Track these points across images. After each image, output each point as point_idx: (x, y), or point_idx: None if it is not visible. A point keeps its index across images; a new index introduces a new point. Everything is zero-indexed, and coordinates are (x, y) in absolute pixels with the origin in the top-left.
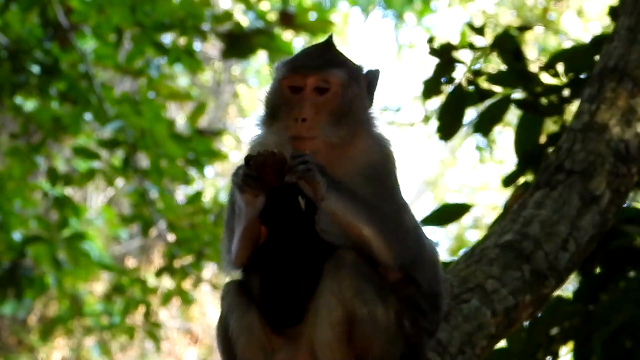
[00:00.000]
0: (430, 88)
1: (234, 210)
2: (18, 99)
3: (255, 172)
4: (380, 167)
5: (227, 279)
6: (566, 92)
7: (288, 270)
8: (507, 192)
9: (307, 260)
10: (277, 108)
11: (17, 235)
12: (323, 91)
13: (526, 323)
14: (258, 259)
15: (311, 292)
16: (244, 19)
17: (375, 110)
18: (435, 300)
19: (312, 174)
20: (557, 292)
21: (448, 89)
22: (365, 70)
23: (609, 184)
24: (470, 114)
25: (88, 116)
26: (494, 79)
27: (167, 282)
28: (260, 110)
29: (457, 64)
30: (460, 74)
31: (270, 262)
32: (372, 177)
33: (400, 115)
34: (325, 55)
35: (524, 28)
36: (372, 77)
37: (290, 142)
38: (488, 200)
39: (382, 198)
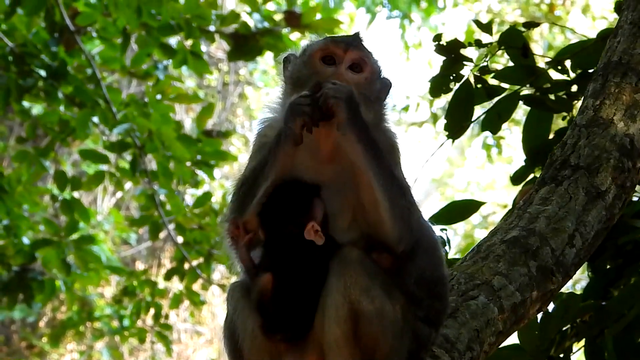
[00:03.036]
0: (438, 86)
1: (251, 183)
2: (25, 103)
3: (312, 95)
4: (388, 155)
5: (235, 277)
6: (574, 88)
7: (293, 276)
8: (516, 190)
9: (308, 263)
10: (306, 79)
11: (26, 239)
12: (357, 71)
13: (538, 318)
14: (265, 264)
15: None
16: (250, 20)
17: (389, 110)
18: (435, 286)
19: (332, 98)
20: (568, 287)
21: (455, 86)
22: (383, 75)
23: (614, 179)
24: (478, 111)
25: (95, 119)
26: (501, 76)
27: (176, 285)
28: (274, 92)
29: (464, 62)
30: (467, 72)
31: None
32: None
33: (408, 115)
34: (360, 41)
35: (531, 24)
36: (386, 85)
37: None
38: (497, 199)
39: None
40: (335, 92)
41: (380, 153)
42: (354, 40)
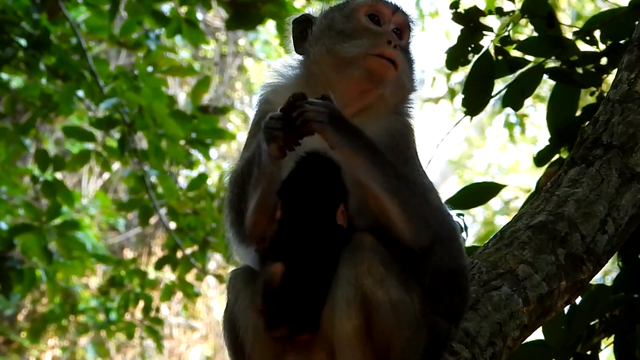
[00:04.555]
0: (455, 58)
1: (245, 181)
2: (4, 75)
3: (285, 115)
4: (400, 137)
5: (233, 267)
6: (604, 61)
7: (307, 265)
8: (540, 173)
9: (325, 251)
10: (352, 31)
11: (3, 225)
12: (400, 35)
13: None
14: (275, 251)
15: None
16: None
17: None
18: (453, 278)
19: (315, 123)
20: (597, 279)
21: (474, 58)
22: None
23: None
24: (499, 86)
25: (80, 93)
26: (524, 47)
27: (168, 275)
28: (276, 64)
29: (484, 31)
30: (487, 42)
31: (288, 254)
32: (392, 146)
33: (423, 90)
34: None
35: None
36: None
37: (371, 60)
38: (519, 182)
39: (405, 167)
40: (317, 114)
41: (380, 156)
42: (400, 4)
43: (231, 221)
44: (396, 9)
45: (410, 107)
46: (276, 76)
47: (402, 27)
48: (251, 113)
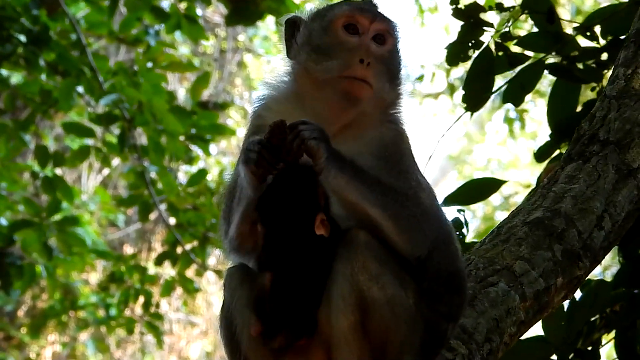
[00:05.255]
0: (455, 53)
1: (233, 195)
2: (3, 71)
3: (265, 140)
4: (392, 146)
5: (230, 264)
6: (604, 56)
7: (295, 274)
8: (541, 168)
9: (310, 259)
10: (328, 48)
11: (3, 221)
12: (382, 42)
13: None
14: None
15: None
16: None
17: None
18: (452, 280)
19: (310, 140)
20: (597, 275)
21: (474, 54)
22: None
23: None
24: (499, 82)
25: (80, 89)
26: (525, 42)
27: (168, 270)
28: (276, 61)
29: (484, 27)
30: (487, 38)
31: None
32: (384, 157)
33: (423, 86)
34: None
35: None
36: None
37: (343, 83)
38: (519, 178)
39: (397, 179)
40: (312, 132)
41: (365, 175)
42: (376, 9)
43: (225, 231)
44: (374, 17)
45: (399, 113)
46: (267, 88)
47: (383, 33)
48: (251, 109)
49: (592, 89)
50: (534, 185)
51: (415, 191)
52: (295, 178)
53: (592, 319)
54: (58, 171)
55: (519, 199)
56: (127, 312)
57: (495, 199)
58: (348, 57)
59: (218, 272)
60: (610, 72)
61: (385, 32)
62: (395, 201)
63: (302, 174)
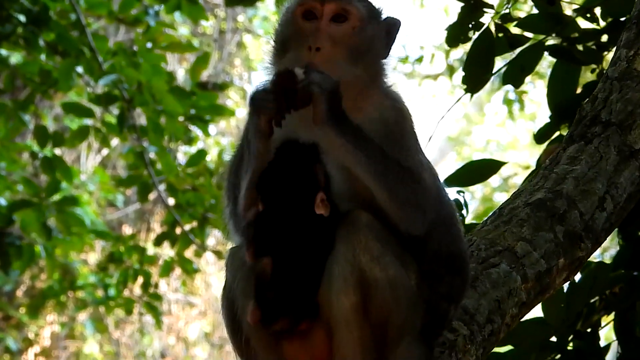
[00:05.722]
0: (455, 35)
1: (238, 169)
2: (3, 51)
3: (273, 87)
4: (394, 125)
5: (231, 245)
6: (604, 38)
7: (295, 256)
8: (540, 150)
9: (310, 240)
10: (288, 39)
11: (3, 201)
12: (341, 21)
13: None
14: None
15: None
16: None
17: (391, 63)
18: (453, 261)
19: (314, 85)
20: (596, 256)
21: (474, 36)
22: (385, 16)
23: None
24: (499, 63)
25: (80, 69)
26: (525, 24)
27: (167, 251)
28: (268, 49)
29: (484, 9)
30: (487, 19)
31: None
32: (385, 136)
33: (422, 67)
34: None
35: None
36: (391, 26)
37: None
38: (518, 159)
39: (399, 155)
40: (322, 81)
41: (366, 140)
42: None
43: (230, 212)
44: (324, 0)
45: (394, 89)
46: (268, 72)
47: (340, 12)
48: (250, 90)
49: (592, 71)
50: (533, 166)
51: (417, 168)
52: (297, 156)
53: (592, 300)
54: (57, 151)
55: (518, 180)
56: (126, 293)
57: (494, 180)
58: (298, 47)
59: (217, 253)
60: (611, 54)
61: (342, 10)
62: (395, 173)
63: (304, 152)
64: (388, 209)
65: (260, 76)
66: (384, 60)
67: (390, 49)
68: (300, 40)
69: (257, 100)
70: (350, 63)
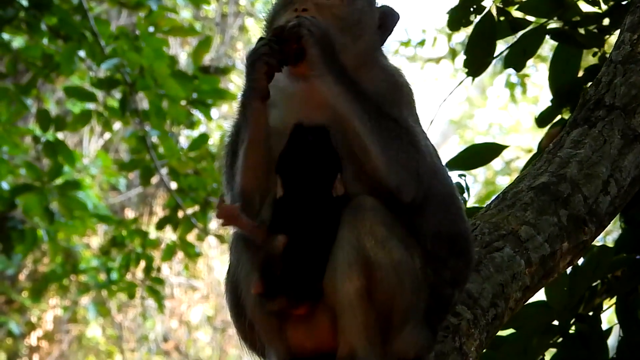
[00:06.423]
0: (457, 18)
1: (235, 145)
2: (5, 35)
3: (273, 37)
4: (389, 95)
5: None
6: (606, 21)
7: (309, 236)
8: (542, 133)
9: (324, 222)
10: (278, 11)
11: (5, 185)
12: None
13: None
14: (276, 223)
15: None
16: None
17: (390, 46)
18: (455, 242)
19: (303, 29)
20: (599, 240)
21: (476, 19)
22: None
23: None
24: (501, 47)
25: (82, 53)
26: (526, 7)
27: (169, 235)
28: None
29: None
30: (489, 3)
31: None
32: (381, 104)
33: (424, 50)
34: None
35: None
36: (387, 15)
37: None
38: (521, 142)
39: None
40: (311, 24)
41: (364, 93)
42: None
43: (232, 197)
44: None
45: (386, 61)
46: None
47: None
48: None
49: (594, 54)
50: (535, 150)
51: (412, 131)
52: (314, 138)
53: (594, 284)
54: (59, 135)
55: (520, 163)
56: (129, 277)
57: (496, 163)
58: (287, 13)
59: (219, 237)
60: (613, 37)
61: None
62: (389, 130)
63: (319, 135)
64: (380, 165)
65: None
66: (379, 45)
67: (385, 38)
68: (289, 7)
69: (252, 53)
70: (338, 32)
